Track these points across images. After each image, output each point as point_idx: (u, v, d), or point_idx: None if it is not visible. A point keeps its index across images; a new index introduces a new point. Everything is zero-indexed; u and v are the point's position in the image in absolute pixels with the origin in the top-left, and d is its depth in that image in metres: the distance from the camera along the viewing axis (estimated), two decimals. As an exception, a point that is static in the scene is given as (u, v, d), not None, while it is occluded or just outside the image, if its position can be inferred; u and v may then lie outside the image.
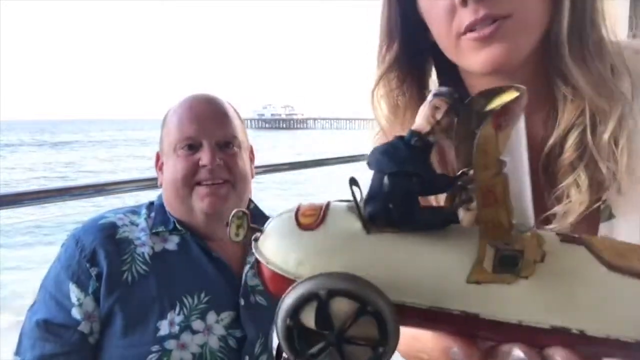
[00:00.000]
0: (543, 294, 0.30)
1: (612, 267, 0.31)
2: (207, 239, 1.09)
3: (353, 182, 0.32)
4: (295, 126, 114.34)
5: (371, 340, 0.29)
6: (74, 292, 0.98)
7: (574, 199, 0.61)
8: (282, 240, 0.33)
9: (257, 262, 0.34)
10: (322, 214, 0.33)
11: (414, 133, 0.32)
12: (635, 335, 0.29)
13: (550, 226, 0.63)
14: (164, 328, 0.96)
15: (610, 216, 0.63)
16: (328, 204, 0.34)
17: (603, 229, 0.63)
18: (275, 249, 0.33)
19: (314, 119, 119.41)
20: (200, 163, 1.06)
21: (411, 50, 0.69)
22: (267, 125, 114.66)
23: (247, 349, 1.01)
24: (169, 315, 0.98)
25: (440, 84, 0.71)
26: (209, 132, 1.08)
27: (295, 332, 0.29)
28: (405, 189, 0.30)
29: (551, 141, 0.64)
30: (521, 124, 0.32)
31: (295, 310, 0.29)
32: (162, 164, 1.14)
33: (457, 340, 0.31)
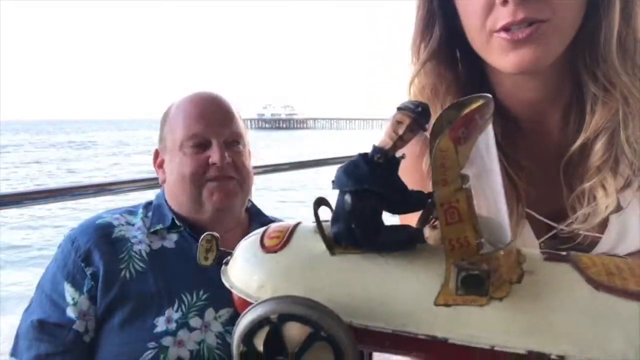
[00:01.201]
0: (519, 316, 0.28)
1: (599, 286, 0.28)
2: None
3: (318, 202, 0.32)
4: (295, 126, 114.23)
5: None
6: (69, 292, 0.98)
7: (601, 202, 0.61)
8: (246, 264, 0.33)
9: (224, 278, 0.35)
10: (287, 235, 0.33)
11: (376, 150, 0.30)
12: None
13: (573, 226, 0.63)
14: (160, 325, 0.97)
15: (619, 208, 0.63)
16: (297, 225, 0.34)
17: (613, 221, 0.63)
18: (240, 272, 0.33)
19: (314, 119, 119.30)
20: (210, 161, 1.06)
21: (448, 42, 0.70)
22: (267, 125, 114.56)
23: None
24: (167, 312, 0.98)
25: (465, 78, 0.71)
26: (218, 130, 1.08)
27: (249, 357, 0.29)
28: (368, 208, 0.29)
29: (579, 142, 0.63)
30: (489, 132, 0.30)
31: (249, 335, 0.28)
32: (162, 161, 1.14)
33: None
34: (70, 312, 0.97)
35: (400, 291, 0.29)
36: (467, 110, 0.28)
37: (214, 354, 0.98)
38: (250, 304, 0.30)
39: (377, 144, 0.30)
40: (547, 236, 0.66)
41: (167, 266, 1.03)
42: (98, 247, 1.00)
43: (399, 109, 0.31)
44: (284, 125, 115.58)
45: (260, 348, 0.28)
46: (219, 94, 1.16)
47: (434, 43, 0.69)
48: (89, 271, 0.98)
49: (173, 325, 0.97)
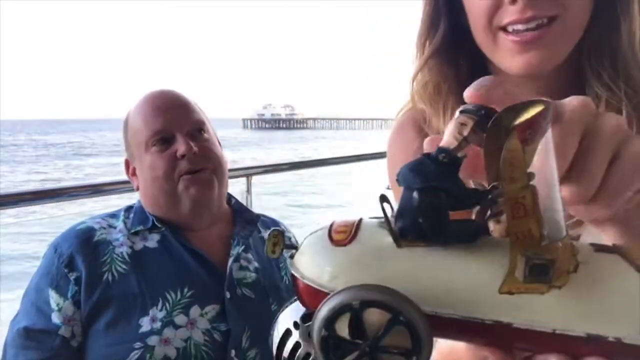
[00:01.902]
0: (577, 302, 0.30)
1: None
2: (188, 232, 1.09)
3: (383, 199, 0.33)
4: (295, 126, 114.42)
5: (404, 350, 0.30)
6: (53, 298, 0.97)
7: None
8: (316, 256, 0.34)
9: (293, 277, 0.35)
10: (354, 230, 0.34)
11: (442, 150, 0.32)
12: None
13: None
14: (145, 324, 0.96)
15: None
16: (360, 221, 0.35)
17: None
18: (310, 264, 0.34)
19: (314, 119, 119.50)
20: (178, 154, 1.05)
21: (453, 39, 0.69)
22: (267, 126, 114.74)
23: (232, 342, 1.01)
24: (151, 312, 0.97)
25: (469, 76, 0.70)
26: (178, 122, 1.08)
27: (330, 342, 0.30)
28: (434, 204, 0.31)
29: None
30: (549, 136, 0.32)
31: (330, 321, 0.30)
32: (134, 169, 1.13)
33: (492, 351, 0.31)
34: (56, 318, 0.96)
35: (466, 280, 0.31)
36: (533, 113, 0.30)
37: (201, 350, 0.97)
38: (321, 292, 0.32)
39: (441, 144, 0.33)
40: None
41: (149, 266, 1.02)
42: (80, 252, 1.00)
43: (461, 111, 0.33)
44: (284, 125, 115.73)
45: (342, 333, 0.30)
46: (172, 88, 1.15)
47: (439, 39, 0.68)
48: (72, 276, 0.98)
49: (158, 324, 0.96)
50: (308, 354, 0.74)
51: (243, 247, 1.12)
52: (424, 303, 0.30)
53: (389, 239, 0.32)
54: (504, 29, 0.60)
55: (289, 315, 0.77)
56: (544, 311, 0.30)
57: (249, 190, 2.16)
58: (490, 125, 0.31)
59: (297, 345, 0.74)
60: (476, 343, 0.33)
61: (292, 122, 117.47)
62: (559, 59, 0.60)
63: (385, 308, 0.29)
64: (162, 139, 1.06)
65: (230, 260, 1.08)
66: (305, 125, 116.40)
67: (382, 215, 0.33)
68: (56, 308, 0.97)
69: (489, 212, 0.33)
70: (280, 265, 1.17)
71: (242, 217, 1.19)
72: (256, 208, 1.76)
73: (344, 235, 0.34)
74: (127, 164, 1.15)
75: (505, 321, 0.30)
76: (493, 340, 0.31)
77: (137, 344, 0.94)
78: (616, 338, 0.29)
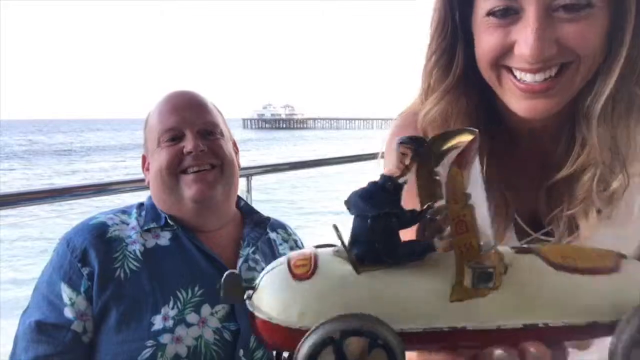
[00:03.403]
0: (511, 299, 0.35)
1: (558, 267, 0.37)
2: (198, 232, 1.10)
3: (336, 228, 0.35)
4: (295, 126, 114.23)
5: None
6: (66, 292, 0.98)
7: (583, 232, 0.61)
8: (281, 294, 0.35)
9: (253, 317, 0.36)
10: (312, 262, 0.36)
11: (387, 178, 0.35)
12: (584, 319, 0.36)
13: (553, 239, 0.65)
14: (158, 322, 0.97)
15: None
16: (316, 253, 0.37)
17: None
18: (274, 303, 0.35)
19: (314, 119, 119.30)
20: (185, 150, 1.06)
21: (464, 73, 0.66)
22: (267, 126, 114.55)
23: (241, 341, 1.01)
24: (163, 310, 0.98)
25: (476, 104, 0.68)
26: (190, 120, 1.09)
27: None
28: (388, 228, 0.34)
29: (564, 173, 0.63)
30: (476, 161, 0.36)
31: (313, 358, 0.31)
32: (149, 164, 1.15)
33: (445, 356, 0.34)
34: (68, 313, 0.97)
35: (422, 295, 0.34)
36: (460, 140, 0.35)
37: (211, 349, 0.98)
38: (288, 330, 0.34)
39: (385, 173, 0.36)
40: (526, 240, 0.68)
41: (161, 264, 1.03)
42: (93, 247, 1.00)
43: (400, 143, 0.37)
44: (284, 125, 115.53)
45: None
46: (193, 89, 1.18)
47: (458, 74, 0.66)
48: (85, 271, 0.98)
49: (170, 323, 0.97)
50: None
51: (253, 248, 1.13)
52: (390, 322, 0.33)
53: (348, 267, 0.35)
54: (509, 69, 0.59)
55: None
56: (489, 311, 0.34)
57: (249, 190, 2.17)
58: (422, 151, 0.36)
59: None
60: (433, 349, 0.36)
61: (292, 122, 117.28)
62: (563, 104, 0.59)
63: (363, 334, 0.31)
64: (173, 136, 1.08)
65: (240, 261, 1.10)
66: (305, 125, 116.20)
67: (331, 242, 0.36)
68: (69, 302, 0.97)
69: (427, 230, 0.37)
70: None
71: (251, 218, 1.20)
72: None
73: (304, 269, 0.35)
74: (144, 159, 1.18)
75: (459, 326, 0.34)
76: (447, 345, 0.35)
77: (149, 342, 0.95)
78: (544, 323, 0.35)
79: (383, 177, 0.35)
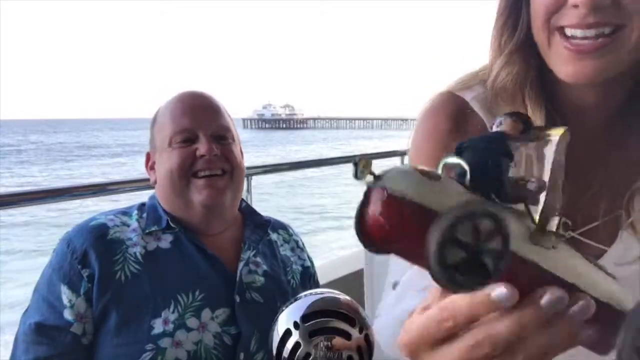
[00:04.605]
0: (563, 261, 0.39)
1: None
2: (201, 235, 1.09)
3: (459, 152, 0.39)
4: (295, 126, 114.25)
5: (498, 254, 0.34)
6: (66, 294, 0.97)
7: (637, 223, 0.61)
8: (417, 178, 0.36)
9: (379, 196, 0.35)
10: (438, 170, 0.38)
11: (506, 134, 0.40)
12: (605, 299, 0.39)
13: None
14: (158, 326, 0.96)
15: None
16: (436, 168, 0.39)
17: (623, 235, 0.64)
18: (412, 183, 0.36)
19: (314, 119, 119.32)
20: (198, 153, 1.06)
21: (530, 40, 0.64)
22: (267, 126, 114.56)
23: (242, 345, 1.01)
24: (163, 314, 0.97)
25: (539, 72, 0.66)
26: (204, 123, 1.09)
27: (448, 242, 0.33)
28: (504, 169, 0.38)
29: (623, 158, 0.62)
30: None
31: (452, 227, 0.33)
32: (154, 163, 1.14)
33: (500, 284, 0.35)
34: (68, 315, 0.97)
35: (514, 228, 0.37)
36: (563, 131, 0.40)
37: (211, 353, 0.98)
38: (418, 207, 0.35)
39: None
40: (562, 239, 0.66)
41: (162, 267, 1.03)
42: (94, 249, 1.00)
43: (511, 116, 0.41)
44: (284, 125, 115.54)
45: (460, 236, 0.34)
46: (206, 91, 1.16)
47: (520, 35, 0.65)
48: (85, 273, 0.98)
49: (170, 327, 0.97)
50: (308, 354, 0.74)
51: (254, 251, 1.13)
52: None
53: (462, 188, 0.37)
54: (562, 30, 0.57)
55: (289, 315, 0.78)
56: (551, 259, 0.38)
57: (249, 190, 2.17)
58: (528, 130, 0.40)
59: (297, 346, 0.75)
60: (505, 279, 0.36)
61: (292, 122, 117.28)
62: (614, 72, 0.57)
63: (494, 219, 0.34)
64: (186, 138, 1.07)
65: (241, 264, 1.09)
66: (305, 125, 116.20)
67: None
68: (68, 304, 0.97)
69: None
70: (287, 269, 1.18)
71: (252, 221, 1.20)
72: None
73: (432, 172, 0.37)
74: (148, 157, 1.16)
75: (533, 261, 0.37)
76: (515, 276, 0.37)
77: (149, 346, 0.94)
78: (572, 283, 0.39)
79: (503, 133, 0.40)
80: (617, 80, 0.60)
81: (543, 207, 0.39)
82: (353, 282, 1.81)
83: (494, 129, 0.41)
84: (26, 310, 1.01)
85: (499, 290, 0.34)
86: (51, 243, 1.10)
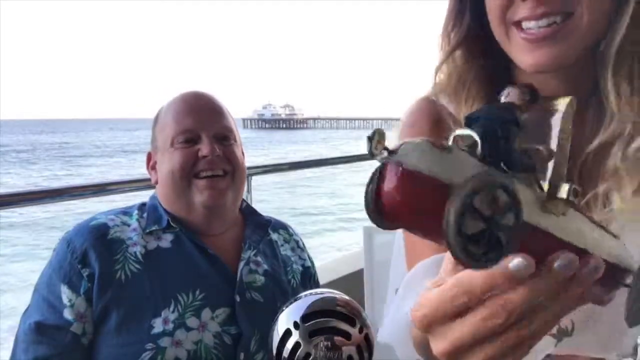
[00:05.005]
0: (572, 226, 0.40)
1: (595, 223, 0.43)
2: (202, 235, 1.10)
3: (468, 123, 0.39)
4: (295, 126, 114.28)
5: (510, 228, 0.35)
6: (66, 294, 0.98)
7: (617, 206, 0.61)
8: (432, 153, 0.35)
9: (394, 170, 0.35)
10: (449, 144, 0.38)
11: (514, 105, 0.40)
12: (611, 258, 0.42)
13: None
14: (157, 326, 0.96)
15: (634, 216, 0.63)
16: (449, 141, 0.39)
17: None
18: (427, 157, 0.35)
19: (314, 119, 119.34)
20: (200, 154, 1.06)
21: (477, 33, 0.69)
22: (267, 126, 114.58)
23: (242, 345, 1.01)
24: (163, 313, 0.98)
25: (492, 68, 0.70)
26: (207, 124, 1.09)
27: (467, 212, 0.33)
28: (511, 137, 0.38)
29: (596, 142, 0.63)
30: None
31: (471, 197, 0.34)
32: (155, 163, 1.14)
33: (516, 255, 0.35)
34: (68, 314, 0.97)
35: (525, 195, 0.37)
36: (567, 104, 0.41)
37: (211, 353, 0.98)
38: (434, 181, 0.35)
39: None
40: None
41: (162, 267, 1.03)
42: (94, 248, 1.00)
43: (519, 87, 0.41)
44: (284, 125, 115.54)
45: (477, 206, 0.34)
46: (208, 92, 1.17)
47: (463, 31, 0.69)
48: (85, 272, 0.98)
49: (170, 326, 0.97)
50: (308, 354, 0.74)
51: (254, 251, 1.13)
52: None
53: (475, 160, 0.37)
54: (518, 24, 0.60)
55: (289, 315, 0.78)
56: (561, 226, 0.39)
57: (249, 190, 2.17)
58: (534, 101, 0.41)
59: (297, 346, 0.75)
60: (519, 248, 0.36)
61: (292, 122, 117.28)
62: (571, 58, 0.60)
63: (508, 191, 0.35)
64: (189, 139, 1.07)
65: (242, 264, 1.09)
66: (305, 125, 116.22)
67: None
68: (68, 304, 0.97)
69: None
70: (287, 269, 1.18)
71: (253, 220, 1.20)
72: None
73: (445, 145, 0.37)
74: (149, 156, 1.17)
75: (543, 228, 0.38)
76: (530, 243, 0.37)
77: (149, 345, 0.94)
78: (584, 249, 0.40)
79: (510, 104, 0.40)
80: (580, 70, 0.64)
81: (552, 175, 0.40)
82: (353, 282, 1.81)
83: (502, 100, 0.41)
84: (26, 310, 1.01)
85: (516, 261, 0.34)
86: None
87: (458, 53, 0.70)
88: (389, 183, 0.35)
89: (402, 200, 0.35)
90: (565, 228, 0.39)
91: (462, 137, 0.39)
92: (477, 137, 0.38)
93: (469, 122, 0.39)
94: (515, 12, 0.60)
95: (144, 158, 1.18)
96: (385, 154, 0.36)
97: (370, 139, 0.36)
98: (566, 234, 0.39)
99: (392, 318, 0.70)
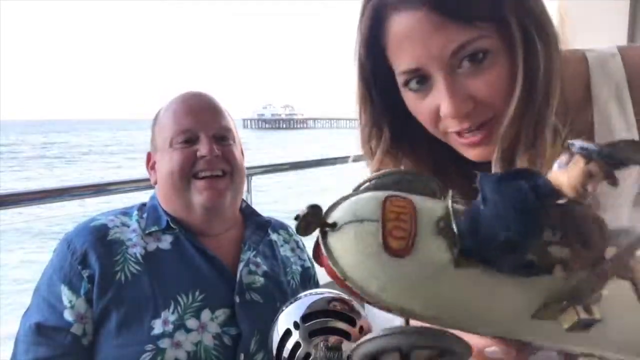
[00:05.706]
0: (586, 332, 0.33)
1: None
2: (201, 236, 1.10)
3: (456, 214, 0.31)
4: (295, 126, 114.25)
5: None
6: (66, 295, 0.98)
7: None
8: (367, 261, 0.31)
9: (324, 253, 0.33)
10: (412, 238, 0.31)
11: (556, 192, 0.28)
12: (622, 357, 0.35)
13: None
14: (157, 327, 0.96)
15: None
16: (416, 225, 0.32)
17: None
18: (355, 265, 0.31)
19: (314, 119, 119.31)
20: (199, 154, 1.06)
21: (400, 135, 0.69)
22: (267, 126, 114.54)
23: (242, 346, 1.01)
24: (163, 314, 0.98)
25: (428, 156, 0.70)
26: (206, 124, 1.09)
27: None
28: (532, 244, 0.30)
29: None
30: None
31: (373, 358, 0.30)
32: (155, 163, 1.14)
33: (495, 341, 0.35)
34: (68, 315, 0.97)
35: (508, 304, 0.32)
36: None
37: (211, 354, 0.98)
38: (354, 291, 0.31)
39: (555, 183, 0.28)
40: None
41: (162, 268, 1.03)
42: (94, 249, 1.00)
43: (587, 152, 0.27)
44: (284, 126, 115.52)
45: None
46: (207, 93, 1.17)
47: (386, 143, 0.68)
48: (85, 273, 0.98)
49: (170, 327, 0.97)
50: (308, 354, 0.74)
51: (254, 252, 1.13)
52: (467, 323, 0.32)
53: (447, 255, 0.31)
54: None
55: (289, 316, 0.78)
56: (558, 334, 0.33)
57: (249, 190, 2.17)
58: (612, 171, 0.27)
59: (297, 346, 0.75)
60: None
61: (292, 122, 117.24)
62: (508, 141, 0.60)
63: (433, 349, 0.30)
64: (188, 139, 1.08)
65: (241, 265, 1.09)
66: (305, 125, 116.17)
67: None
68: (68, 305, 0.97)
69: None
70: (287, 270, 1.18)
71: (252, 221, 1.20)
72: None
73: (401, 244, 0.31)
74: (149, 156, 1.17)
75: (527, 340, 0.33)
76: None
77: (149, 346, 0.95)
78: (601, 356, 0.35)
79: (550, 188, 0.28)
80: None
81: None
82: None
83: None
84: (26, 311, 1.01)
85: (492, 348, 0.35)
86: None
87: (388, 160, 0.69)
88: (319, 260, 0.35)
89: (329, 271, 0.34)
90: (563, 335, 0.34)
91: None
92: (455, 235, 0.31)
93: (481, 188, 0.32)
94: (447, 125, 0.62)
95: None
96: (322, 231, 0.33)
97: (297, 218, 0.33)
98: (565, 341, 0.35)
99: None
